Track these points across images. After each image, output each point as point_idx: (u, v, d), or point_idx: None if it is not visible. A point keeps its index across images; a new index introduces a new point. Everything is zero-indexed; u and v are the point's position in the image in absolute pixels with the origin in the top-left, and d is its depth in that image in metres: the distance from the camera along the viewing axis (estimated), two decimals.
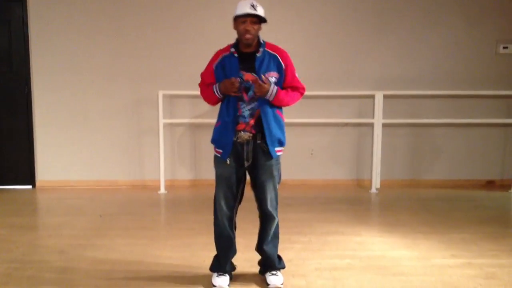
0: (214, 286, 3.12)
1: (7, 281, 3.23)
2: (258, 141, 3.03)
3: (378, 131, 5.92)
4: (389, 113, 6.03)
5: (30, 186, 6.19)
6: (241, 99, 2.99)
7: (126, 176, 6.25)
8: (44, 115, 6.12)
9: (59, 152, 6.17)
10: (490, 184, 6.38)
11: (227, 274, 3.20)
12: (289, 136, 6.24)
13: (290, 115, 6.00)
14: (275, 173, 3.11)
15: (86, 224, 4.58)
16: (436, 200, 5.59)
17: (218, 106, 3.17)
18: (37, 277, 3.29)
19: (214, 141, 3.13)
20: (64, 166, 6.19)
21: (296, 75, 3.09)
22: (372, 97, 5.94)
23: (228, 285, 3.15)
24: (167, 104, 6.05)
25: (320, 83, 6.08)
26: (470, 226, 4.47)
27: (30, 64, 6.03)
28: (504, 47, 6.18)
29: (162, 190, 5.93)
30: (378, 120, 5.90)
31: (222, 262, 3.21)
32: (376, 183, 6.00)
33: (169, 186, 6.10)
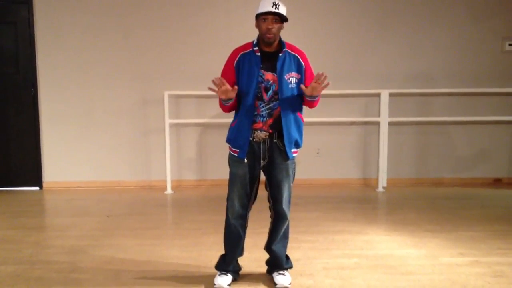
0: (214, 285, 3.13)
1: (16, 282, 3.24)
2: (275, 140, 3.03)
3: (384, 129, 5.90)
4: (395, 112, 6.01)
5: (37, 188, 6.22)
6: (260, 98, 2.98)
7: (133, 176, 6.27)
8: (50, 117, 6.14)
9: (66, 154, 6.19)
10: (497, 182, 6.36)
11: (230, 274, 3.20)
12: None
13: None
14: (290, 172, 3.11)
15: (94, 224, 4.59)
16: (443, 198, 5.57)
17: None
18: (45, 278, 3.30)
19: (230, 140, 3.10)
20: (71, 167, 6.21)
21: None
22: (378, 95, 5.93)
23: (229, 285, 3.14)
24: (173, 104, 6.05)
25: None
26: (478, 224, 4.45)
27: (37, 66, 6.05)
28: (510, 44, 6.17)
29: (169, 190, 5.95)
30: (384, 119, 5.88)
31: (228, 262, 3.22)
32: (382, 181, 5.99)
33: (176, 187, 6.11)
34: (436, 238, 4.07)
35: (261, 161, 3.06)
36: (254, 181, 3.12)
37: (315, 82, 2.88)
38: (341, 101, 6.18)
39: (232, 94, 2.90)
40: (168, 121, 5.86)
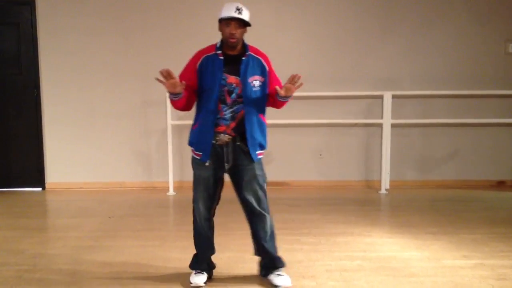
0: (191, 283, 3.15)
1: (17, 283, 3.23)
2: (238, 143, 3.02)
3: (387, 131, 5.89)
4: (397, 113, 5.99)
5: (40, 188, 6.22)
6: (223, 101, 2.98)
7: (135, 177, 6.26)
8: (53, 118, 6.15)
9: (69, 155, 6.19)
10: (500, 185, 6.33)
11: (204, 272, 3.21)
12: (298, 137, 6.20)
13: (297, 116, 6.01)
14: (258, 172, 3.10)
15: (96, 226, 4.58)
16: (446, 201, 5.55)
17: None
18: (46, 279, 3.30)
19: (192, 144, 3.11)
20: (73, 168, 6.22)
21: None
22: (381, 97, 5.91)
23: (205, 283, 3.16)
24: None
25: (328, 83, 6.07)
26: (481, 227, 4.43)
27: (39, 67, 6.06)
28: None
29: (171, 191, 5.94)
30: (387, 121, 5.87)
31: (200, 261, 3.25)
32: (385, 183, 5.97)
33: (178, 188, 6.10)
34: (439, 241, 4.05)
35: (225, 164, 3.05)
36: (217, 184, 3.12)
37: (290, 83, 2.92)
38: (344, 103, 6.17)
39: (180, 89, 2.91)
40: (170, 122, 5.85)
